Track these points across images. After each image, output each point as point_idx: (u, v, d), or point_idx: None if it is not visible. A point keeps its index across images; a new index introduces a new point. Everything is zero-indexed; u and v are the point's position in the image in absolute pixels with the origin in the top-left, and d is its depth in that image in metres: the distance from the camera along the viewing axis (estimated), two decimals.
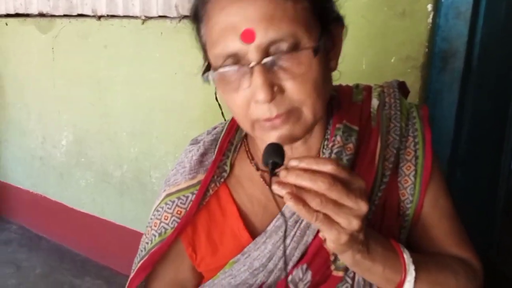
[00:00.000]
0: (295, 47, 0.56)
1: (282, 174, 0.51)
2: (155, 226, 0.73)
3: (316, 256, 0.65)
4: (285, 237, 0.56)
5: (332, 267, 0.65)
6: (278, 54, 0.56)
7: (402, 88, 0.79)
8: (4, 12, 2.31)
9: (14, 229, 2.39)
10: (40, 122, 2.24)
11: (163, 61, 1.73)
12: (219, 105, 1.58)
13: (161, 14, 1.71)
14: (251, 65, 0.56)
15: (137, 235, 1.86)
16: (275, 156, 0.54)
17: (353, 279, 0.65)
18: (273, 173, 0.53)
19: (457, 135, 1.19)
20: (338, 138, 0.66)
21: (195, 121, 1.68)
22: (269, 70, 0.56)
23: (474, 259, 0.70)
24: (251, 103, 0.59)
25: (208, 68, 0.63)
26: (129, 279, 0.77)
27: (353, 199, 0.49)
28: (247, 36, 0.55)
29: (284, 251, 0.56)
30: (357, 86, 0.77)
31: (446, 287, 0.63)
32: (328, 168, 0.49)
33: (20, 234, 2.33)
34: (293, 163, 0.51)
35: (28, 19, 2.20)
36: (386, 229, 0.66)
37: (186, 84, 1.69)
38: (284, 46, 0.56)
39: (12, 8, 2.27)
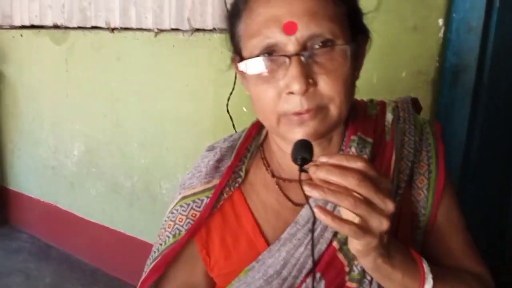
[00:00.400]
0: (331, 44, 0.59)
1: (312, 169, 0.51)
2: (169, 228, 0.74)
3: (329, 266, 0.66)
4: (313, 229, 0.57)
5: (347, 278, 0.66)
6: (315, 48, 0.59)
7: (415, 104, 0.80)
8: (19, 24, 2.36)
9: (24, 238, 2.41)
10: (53, 132, 2.28)
11: (175, 73, 1.76)
12: (230, 117, 1.60)
13: (173, 27, 1.74)
14: (290, 53, 0.58)
15: (147, 246, 1.87)
16: (304, 152, 0.55)
17: None
18: (302, 169, 0.54)
19: (468, 149, 1.19)
20: (353, 149, 0.68)
21: (205, 132, 1.69)
22: (305, 63, 0.58)
23: (485, 273, 0.70)
24: (282, 96, 0.60)
25: (241, 60, 0.64)
26: (140, 281, 0.76)
27: (381, 197, 0.50)
28: (290, 28, 0.58)
29: (312, 246, 0.57)
30: (371, 100, 0.78)
31: None
32: (358, 165, 0.50)
33: (31, 243, 2.35)
34: (323, 159, 0.52)
35: (43, 31, 2.25)
36: (399, 241, 0.67)
37: (197, 96, 1.71)
38: (321, 42, 0.59)
39: (27, 20, 2.32)
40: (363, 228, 0.50)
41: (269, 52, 0.60)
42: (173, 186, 1.79)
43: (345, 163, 0.50)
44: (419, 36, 1.19)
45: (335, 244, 0.65)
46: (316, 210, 0.49)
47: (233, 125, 1.70)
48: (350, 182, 0.49)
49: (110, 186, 2.03)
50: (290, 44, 0.58)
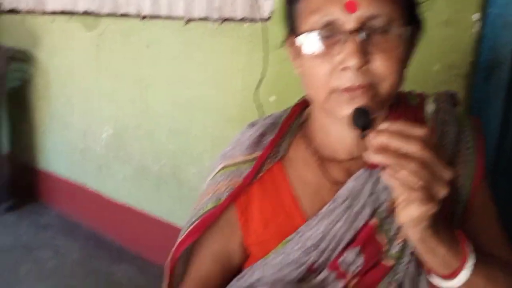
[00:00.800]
0: (388, 26, 0.62)
1: (372, 135, 0.53)
2: (209, 194, 0.77)
3: (368, 242, 0.68)
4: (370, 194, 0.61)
5: (384, 256, 0.68)
6: (372, 28, 0.61)
7: (454, 98, 0.81)
8: (51, 10, 2.42)
9: (53, 215, 2.50)
10: (82, 116, 2.35)
11: (203, 62, 1.79)
12: (257, 106, 1.63)
13: (203, 16, 1.77)
14: (348, 30, 0.61)
15: (172, 229, 1.93)
16: (363, 119, 0.57)
17: (404, 268, 0.68)
18: (363, 135, 0.56)
19: (501, 143, 1.19)
20: None
21: (232, 121, 1.72)
22: (362, 41, 0.61)
23: None
24: (335, 71, 0.63)
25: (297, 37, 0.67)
26: (176, 244, 0.79)
27: (442, 164, 0.52)
28: (351, 7, 0.61)
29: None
30: (410, 92, 0.80)
31: (495, 284, 0.64)
32: (420, 132, 0.52)
33: (59, 221, 2.44)
34: (384, 125, 0.54)
35: (74, 17, 2.30)
36: None
37: (225, 85, 1.74)
38: (379, 22, 0.61)
39: (59, 6, 2.38)
40: (427, 194, 0.51)
41: (328, 29, 0.62)
42: (199, 171, 1.83)
43: (406, 130, 0.52)
44: (453, 30, 1.19)
45: (374, 221, 0.68)
46: (385, 174, 0.51)
47: (260, 114, 1.73)
48: (411, 147, 0.51)
49: (137, 169, 2.09)
50: (350, 22, 0.61)
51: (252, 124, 0.81)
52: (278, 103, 1.62)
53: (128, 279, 1.89)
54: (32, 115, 2.65)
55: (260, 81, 1.61)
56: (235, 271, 0.81)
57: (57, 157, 2.56)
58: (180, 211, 1.89)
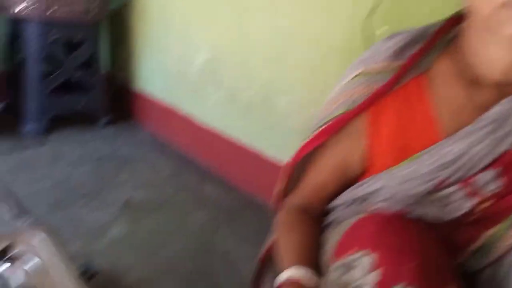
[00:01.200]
0: None
1: None
2: (340, 99, 0.75)
3: (508, 168, 0.65)
4: None
5: None
6: None
7: None
8: None
9: (146, 134, 2.69)
10: (179, 39, 2.40)
11: None
12: (365, 37, 1.52)
13: None
14: None
15: (258, 157, 1.96)
16: None
17: None
18: None
19: None
20: None
21: (334, 51, 1.65)
22: None
23: None
24: None
25: None
26: (301, 144, 0.78)
27: None
28: None
29: None
30: None
31: None
32: None
33: (151, 140, 2.62)
34: None
35: None
36: None
37: (329, 11, 1.64)
38: None
39: None
40: None
41: None
42: (290, 101, 1.82)
43: None
44: None
45: None
46: None
47: (366, 46, 1.63)
48: None
49: (229, 95, 2.13)
50: None
51: (393, 36, 0.77)
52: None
53: (214, 198, 2.01)
54: (131, 37, 2.78)
55: (373, 9, 1.49)
56: (348, 184, 0.81)
57: (153, 79, 2.69)
58: (268, 140, 1.92)
